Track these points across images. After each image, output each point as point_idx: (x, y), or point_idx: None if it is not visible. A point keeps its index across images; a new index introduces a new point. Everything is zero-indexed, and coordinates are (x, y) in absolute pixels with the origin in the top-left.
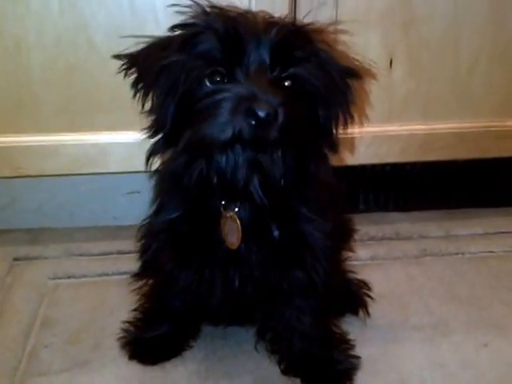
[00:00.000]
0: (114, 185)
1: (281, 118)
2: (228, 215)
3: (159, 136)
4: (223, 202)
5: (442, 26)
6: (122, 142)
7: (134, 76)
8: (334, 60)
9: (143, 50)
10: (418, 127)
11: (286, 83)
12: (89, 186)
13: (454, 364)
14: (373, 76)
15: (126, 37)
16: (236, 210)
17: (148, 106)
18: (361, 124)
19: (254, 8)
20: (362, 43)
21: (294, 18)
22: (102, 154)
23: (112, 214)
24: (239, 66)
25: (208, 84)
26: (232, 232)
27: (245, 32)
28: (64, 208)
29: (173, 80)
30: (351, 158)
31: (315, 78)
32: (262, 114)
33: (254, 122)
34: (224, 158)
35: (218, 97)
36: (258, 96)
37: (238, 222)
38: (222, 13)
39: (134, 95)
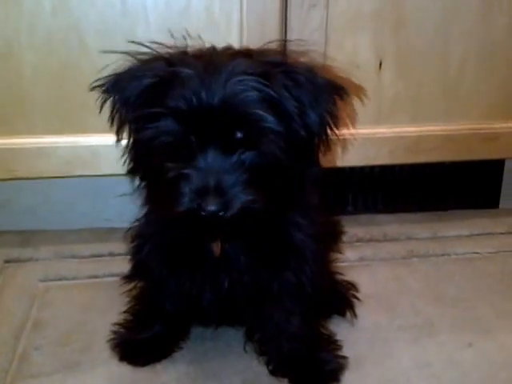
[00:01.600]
0: (106, 187)
1: (235, 209)
2: None
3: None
4: None
5: (430, 29)
6: (114, 144)
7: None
8: (316, 78)
9: (114, 83)
10: (407, 129)
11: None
12: (81, 188)
13: (439, 364)
14: (360, 96)
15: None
16: None
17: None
18: (350, 127)
19: (246, 6)
20: (351, 45)
21: (285, 24)
22: (95, 156)
23: (104, 216)
24: (201, 146)
25: (169, 154)
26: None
27: (204, 109)
28: (56, 210)
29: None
30: (340, 160)
31: (278, 143)
32: (210, 209)
33: (205, 214)
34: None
35: (177, 186)
36: (208, 190)
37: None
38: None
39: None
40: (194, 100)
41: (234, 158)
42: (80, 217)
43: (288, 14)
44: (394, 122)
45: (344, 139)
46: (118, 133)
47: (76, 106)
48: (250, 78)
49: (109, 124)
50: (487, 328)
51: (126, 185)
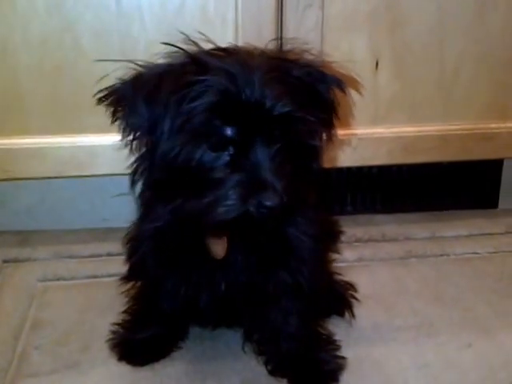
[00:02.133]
0: (103, 187)
1: (286, 200)
2: None
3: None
4: None
5: (427, 28)
6: (111, 143)
7: (119, 115)
8: (321, 75)
9: (129, 88)
10: (404, 129)
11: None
12: (78, 188)
13: (437, 364)
14: (357, 88)
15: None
16: None
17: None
18: (348, 127)
19: (240, 5)
20: (348, 46)
21: (281, 23)
22: (91, 156)
23: (101, 216)
24: (240, 135)
25: (209, 152)
26: (217, 244)
27: (243, 101)
28: (53, 210)
29: (169, 146)
30: (338, 161)
31: (310, 132)
32: (272, 204)
33: (264, 211)
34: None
35: (226, 185)
36: (267, 186)
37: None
38: (215, 67)
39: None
40: (236, 95)
41: (274, 152)
42: (77, 217)
43: (283, 14)
44: (392, 123)
45: (343, 139)
46: (132, 142)
47: (72, 106)
48: (279, 74)
49: (121, 134)
50: (486, 328)
51: (124, 184)
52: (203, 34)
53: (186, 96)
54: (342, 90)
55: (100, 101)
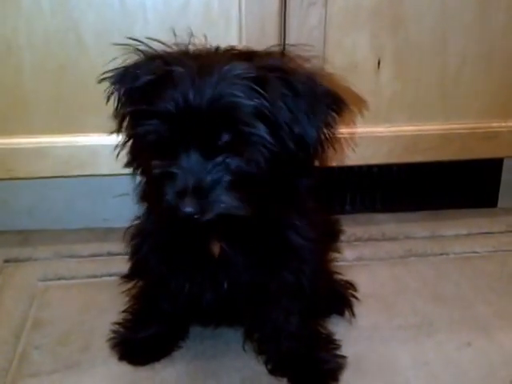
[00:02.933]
0: (104, 187)
1: (214, 211)
2: None
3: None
4: None
5: (429, 27)
6: (113, 143)
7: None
8: (316, 87)
9: (118, 79)
10: (405, 128)
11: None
12: (79, 188)
13: (437, 363)
14: (360, 108)
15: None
16: None
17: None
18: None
19: (244, 4)
20: (350, 44)
21: (284, 22)
22: (93, 155)
23: (102, 216)
24: (184, 145)
25: (157, 155)
26: (213, 242)
27: (187, 106)
28: (54, 210)
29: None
30: (338, 160)
31: (259, 147)
32: (187, 211)
33: (183, 215)
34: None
35: (162, 186)
36: (186, 194)
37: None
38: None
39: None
40: (181, 101)
41: (217, 161)
42: (78, 216)
43: (287, 12)
44: (392, 122)
45: (345, 139)
46: (119, 125)
47: (74, 106)
48: (244, 82)
49: (113, 116)
50: (486, 327)
51: (124, 184)
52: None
53: (144, 96)
54: (340, 106)
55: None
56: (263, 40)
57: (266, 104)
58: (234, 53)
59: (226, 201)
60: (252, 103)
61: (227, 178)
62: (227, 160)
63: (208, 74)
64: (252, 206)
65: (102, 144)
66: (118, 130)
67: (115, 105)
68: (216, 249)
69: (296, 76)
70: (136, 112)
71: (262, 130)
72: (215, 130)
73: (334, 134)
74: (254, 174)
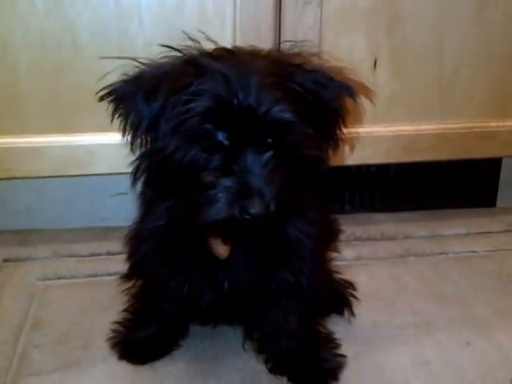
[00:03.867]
0: (102, 186)
1: (273, 209)
2: None
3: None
4: None
5: (426, 27)
6: (110, 143)
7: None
8: (329, 81)
9: (129, 88)
10: (403, 128)
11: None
12: (76, 187)
13: (437, 362)
14: (369, 96)
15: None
16: None
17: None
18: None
19: (239, 3)
20: (346, 44)
21: (279, 21)
22: (90, 155)
23: (100, 215)
24: (233, 140)
25: (202, 153)
26: (220, 244)
27: (238, 106)
28: (52, 209)
29: (165, 153)
30: (336, 160)
31: (307, 141)
32: (255, 212)
33: (247, 217)
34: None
35: (213, 190)
36: (252, 192)
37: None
38: (213, 70)
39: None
40: (230, 100)
41: (266, 158)
42: (76, 216)
43: (282, 11)
44: (390, 121)
45: (349, 138)
46: (133, 141)
47: (70, 106)
48: (279, 79)
49: (121, 133)
50: (485, 327)
51: (122, 183)
52: (204, 33)
53: (182, 98)
54: (352, 96)
55: (101, 99)
56: (258, 39)
57: (303, 93)
58: (254, 52)
59: (280, 197)
60: (290, 98)
61: (281, 175)
62: (274, 157)
63: (246, 75)
64: (294, 200)
65: (98, 143)
66: (131, 145)
67: (124, 122)
68: (224, 251)
69: (314, 69)
70: (170, 119)
71: (302, 123)
72: (264, 130)
73: (346, 120)
74: (299, 166)
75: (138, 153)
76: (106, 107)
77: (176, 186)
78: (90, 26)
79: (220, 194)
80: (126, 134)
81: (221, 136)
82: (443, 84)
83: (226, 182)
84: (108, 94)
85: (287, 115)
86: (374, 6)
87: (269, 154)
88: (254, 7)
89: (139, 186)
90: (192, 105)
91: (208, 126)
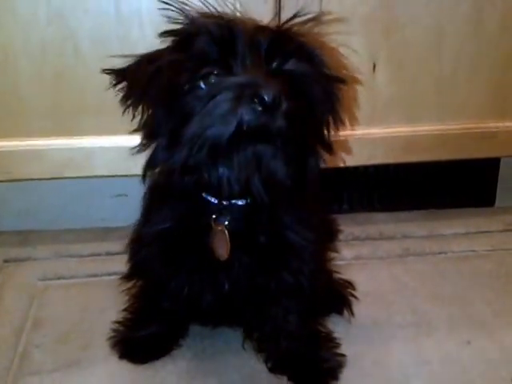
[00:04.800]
0: (101, 188)
1: (285, 104)
2: (218, 228)
3: (155, 147)
4: (214, 216)
5: (424, 29)
6: (109, 145)
7: (122, 91)
8: (324, 62)
9: (131, 64)
10: (401, 129)
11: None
12: (76, 189)
13: (437, 361)
14: (357, 81)
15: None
16: (226, 223)
17: (138, 119)
18: (350, 126)
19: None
20: (345, 48)
21: (279, 18)
22: (89, 157)
23: (100, 216)
24: (235, 64)
25: (203, 86)
26: (221, 245)
27: (238, 33)
28: (52, 210)
29: (165, 84)
30: (334, 161)
31: (309, 76)
32: (267, 97)
33: (259, 108)
34: (227, 158)
35: (218, 89)
36: (261, 83)
37: (227, 235)
38: (213, 17)
39: (124, 110)
40: (232, 22)
41: (273, 70)
42: (76, 217)
43: (281, 11)
44: (389, 123)
45: (344, 140)
46: (135, 109)
47: (71, 111)
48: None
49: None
50: (485, 325)
51: (121, 185)
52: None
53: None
54: (342, 81)
55: (107, 74)
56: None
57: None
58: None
59: (287, 101)
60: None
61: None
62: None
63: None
64: (293, 154)
65: (98, 146)
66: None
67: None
68: (225, 251)
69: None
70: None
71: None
72: (273, 43)
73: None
74: (304, 88)
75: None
76: (106, 110)
77: (184, 122)
78: (90, 33)
79: (226, 91)
80: (128, 102)
81: (222, 63)
82: (441, 85)
83: (230, 78)
84: (113, 72)
85: (292, 45)
86: (373, 8)
87: (274, 65)
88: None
89: (143, 188)
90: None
91: (210, 52)
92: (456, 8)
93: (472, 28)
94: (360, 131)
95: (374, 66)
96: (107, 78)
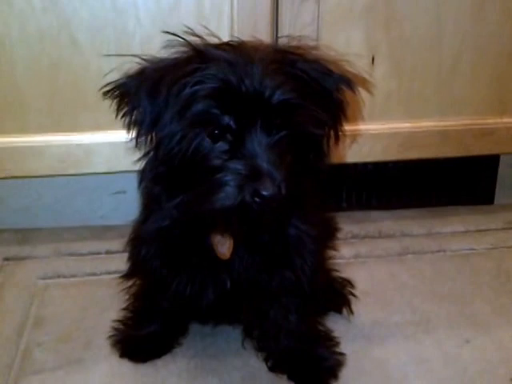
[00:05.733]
0: (101, 185)
1: (284, 191)
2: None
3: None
4: None
5: (424, 23)
6: (108, 141)
7: (123, 110)
8: (330, 71)
9: (133, 82)
10: (401, 125)
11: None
12: (75, 186)
13: (436, 360)
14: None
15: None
16: None
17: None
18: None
19: (236, 0)
20: (344, 41)
21: (276, 19)
22: (88, 154)
23: (99, 213)
24: (239, 123)
25: (208, 141)
26: (223, 243)
27: (243, 90)
28: (51, 208)
29: (170, 139)
30: (333, 157)
31: (312, 127)
32: (267, 194)
33: (259, 200)
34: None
35: (223, 173)
36: (263, 175)
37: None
38: (218, 56)
39: (126, 127)
40: (235, 84)
41: (274, 141)
42: (75, 214)
43: (279, 9)
44: (388, 119)
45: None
46: (138, 137)
47: (68, 104)
48: (282, 66)
49: (126, 129)
50: (484, 324)
51: (120, 182)
52: (206, 27)
53: (187, 84)
54: (351, 88)
55: (105, 95)
56: (255, 37)
57: (306, 78)
58: (255, 43)
59: (289, 180)
60: (294, 82)
61: (289, 158)
62: (281, 138)
63: (250, 62)
64: (298, 188)
65: (96, 142)
66: (137, 140)
67: (128, 114)
68: (226, 251)
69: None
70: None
71: (307, 105)
72: (271, 113)
73: (346, 111)
74: (305, 145)
75: (143, 150)
76: (104, 106)
77: (184, 176)
78: (87, 23)
79: (229, 178)
80: (131, 130)
81: (227, 120)
82: (441, 81)
83: (235, 164)
84: (111, 91)
85: (292, 96)
86: (372, 2)
87: (276, 136)
88: (251, 4)
89: (142, 185)
90: (197, 87)
91: (214, 110)
92: (456, 3)
93: (472, 24)
94: (359, 127)
95: (373, 60)
96: (104, 69)
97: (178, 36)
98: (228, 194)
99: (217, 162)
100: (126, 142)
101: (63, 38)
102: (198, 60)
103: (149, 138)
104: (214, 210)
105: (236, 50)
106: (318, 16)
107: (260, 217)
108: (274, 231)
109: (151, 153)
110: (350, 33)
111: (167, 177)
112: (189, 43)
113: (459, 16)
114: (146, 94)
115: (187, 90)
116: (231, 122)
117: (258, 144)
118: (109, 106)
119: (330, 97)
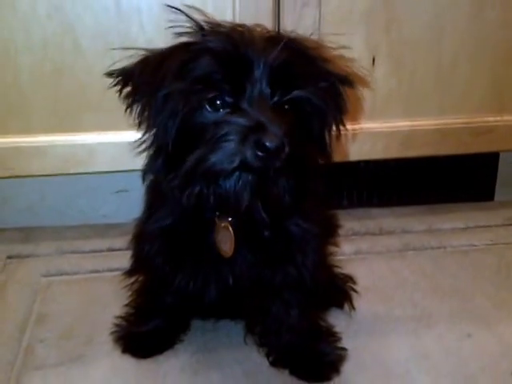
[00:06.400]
0: (103, 184)
1: (287, 148)
2: (222, 225)
3: (155, 154)
4: (217, 213)
5: (423, 24)
6: (110, 141)
7: (127, 92)
8: (329, 67)
9: (137, 65)
10: (401, 124)
11: (286, 107)
12: (78, 185)
13: (437, 354)
14: (366, 83)
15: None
16: (230, 219)
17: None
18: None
19: (238, 4)
20: (345, 43)
21: (278, 22)
22: (91, 153)
23: (101, 212)
24: (240, 90)
25: (209, 109)
26: (225, 241)
27: (244, 53)
28: (54, 207)
29: (172, 106)
30: (335, 155)
31: (315, 98)
32: (271, 146)
33: (262, 154)
34: (228, 184)
35: (225, 127)
36: (266, 127)
37: (232, 231)
38: (218, 31)
39: (127, 109)
40: (240, 49)
41: (275, 103)
42: (78, 213)
43: (281, 13)
44: (388, 117)
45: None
46: (141, 118)
47: (72, 106)
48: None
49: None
50: (485, 319)
51: (122, 181)
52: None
53: (189, 58)
54: (351, 85)
55: (109, 77)
56: None
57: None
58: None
59: (293, 145)
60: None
61: (290, 123)
62: (284, 97)
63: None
64: (293, 183)
65: (99, 142)
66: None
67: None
68: (228, 249)
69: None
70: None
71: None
72: (274, 72)
73: (346, 107)
74: (307, 114)
75: (147, 139)
76: (107, 107)
77: (186, 143)
78: (91, 28)
79: (232, 132)
80: (134, 112)
81: (227, 87)
82: (441, 80)
83: (237, 118)
84: (115, 75)
85: (293, 60)
86: (372, 5)
87: (278, 99)
88: (254, 9)
89: (145, 184)
90: (199, 52)
91: (216, 74)
92: (456, 3)
93: (471, 24)
94: (360, 125)
95: (374, 60)
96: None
97: (180, 11)
98: (232, 149)
99: (219, 124)
100: (130, 143)
101: (67, 44)
102: (200, 36)
103: (151, 120)
104: (216, 167)
105: (238, 26)
106: (319, 19)
107: (264, 173)
108: (275, 227)
109: (153, 130)
110: (351, 34)
111: (169, 148)
112: (192, 19)
113: (458, 16)
114: (150, 74)
115: (190, 55)
116: (232, 87)
117: (260, 105)
118: (111, 107)
119: (331, 85)
